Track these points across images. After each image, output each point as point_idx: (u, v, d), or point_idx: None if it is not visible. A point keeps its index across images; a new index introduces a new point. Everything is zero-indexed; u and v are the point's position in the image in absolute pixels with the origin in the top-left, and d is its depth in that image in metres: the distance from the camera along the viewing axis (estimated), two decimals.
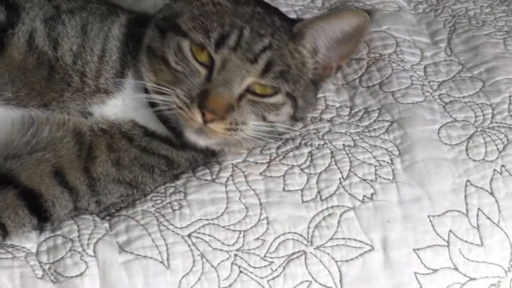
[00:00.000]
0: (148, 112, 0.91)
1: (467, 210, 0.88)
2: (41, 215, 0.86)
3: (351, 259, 0.84)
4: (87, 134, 0.91)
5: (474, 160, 0.90)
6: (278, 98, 0.86)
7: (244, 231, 0.84)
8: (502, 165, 0.91)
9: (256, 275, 0.83)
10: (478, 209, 0.88)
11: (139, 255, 0.81)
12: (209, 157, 0.93)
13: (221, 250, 0.83)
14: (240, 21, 0.88)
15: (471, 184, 0.89)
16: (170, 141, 0.92)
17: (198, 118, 0.81)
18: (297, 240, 0.84)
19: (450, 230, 0.87)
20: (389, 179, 0.87)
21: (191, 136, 0.84)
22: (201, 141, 0.86)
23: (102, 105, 0.92)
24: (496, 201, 0.89)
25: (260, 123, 0.87)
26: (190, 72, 0.85)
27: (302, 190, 0.85)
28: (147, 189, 0.91)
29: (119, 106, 0.93)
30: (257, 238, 0.84)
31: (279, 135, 0.92)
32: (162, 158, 0.92)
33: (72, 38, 0.93)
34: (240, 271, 0.83)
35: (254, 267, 0.83)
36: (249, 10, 0.91)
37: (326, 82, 0.99)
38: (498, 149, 0.91)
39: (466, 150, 0.91)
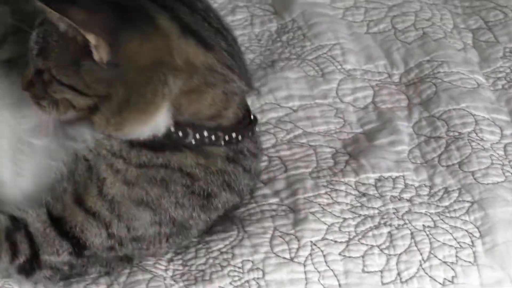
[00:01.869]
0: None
1: None
2: (75, 243, 0.85)
3: None
4: (90, 158, 0.89)
5: None
6: None
7: None
8: None
9: None
10: None
11: None
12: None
13: None
14: None
15: None
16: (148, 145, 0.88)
17: None
18: None
19: None
20: (470, 262, 0.85)
21: None
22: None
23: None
24: None
25: None
26: None
27: (381, 271, 0.85)
28: (173, 214, 0.86)
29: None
30: None
31: None
32: (159, 167, 0.87)
33: None
34: None
35: None
36: None
37: None
38: None
39: None
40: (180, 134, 0.84)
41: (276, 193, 0.96)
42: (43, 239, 0.85)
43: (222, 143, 0.88)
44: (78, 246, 0.85)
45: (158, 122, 0.81)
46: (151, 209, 0.86)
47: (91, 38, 0.74)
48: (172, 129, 0.83)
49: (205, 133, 0.86)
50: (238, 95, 0.91)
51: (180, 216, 0.87)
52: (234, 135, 0.89)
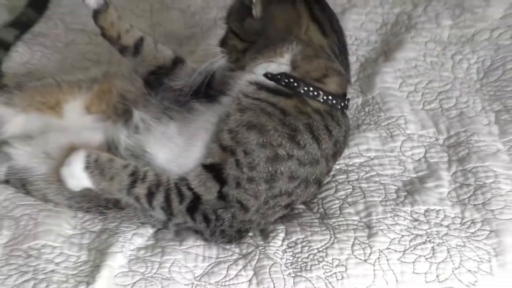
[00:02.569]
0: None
1: None
2: (219, 180, 0.99)
3: None
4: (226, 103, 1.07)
5: None
6: None
7: None
8: None
9: None
10: None
11: None
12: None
13: None
14: None
15: None
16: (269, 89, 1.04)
17: None
18: None
19: None
20: (487, 272, 0.97)
21: None
22: None
23: None
24: None
25: None
26: None
27: (425, 273, 0.97)
28: (272, 138, 0.99)
29: None
30: None
31: None
32: (269, 104, 1.03)
33: None
34: None
35: None
36: None
37: None
38: None
39: None
40: (295, 84, 1.02)
41: (357, 213, 1.07)
42: (200, 183, 1.01)
43: (321, 100, 1.03)
44: (221, 181, 1.00)
45: (280, 65, 1.03)
46: (258, 131, 1.00)
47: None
48: (292, 79, 1.02)
49: (311, 88, 1.02)
50: (337, 75, 1.07)
51: (275, 141, 0.99)
52: (330, 97, 1.03)
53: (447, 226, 1.03)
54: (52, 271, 0.99)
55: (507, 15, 1.52)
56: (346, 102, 1.09)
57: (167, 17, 1.74)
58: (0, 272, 0.98)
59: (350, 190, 1.12)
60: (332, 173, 1.15)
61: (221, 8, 1.65)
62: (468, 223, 1.04)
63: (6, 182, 1.16)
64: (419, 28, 1.50)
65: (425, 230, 1.03)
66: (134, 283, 0.96)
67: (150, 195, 1.01)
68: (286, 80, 1.02)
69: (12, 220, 1.08)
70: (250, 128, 1.00)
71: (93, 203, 1.10)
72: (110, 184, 1.02)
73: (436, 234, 1.02)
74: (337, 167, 1.17)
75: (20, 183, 1.15)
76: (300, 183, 1.03)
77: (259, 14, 1.02)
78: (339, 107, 1.06)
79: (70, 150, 1.08)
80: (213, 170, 1.01)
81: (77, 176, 1.03)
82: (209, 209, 1.01)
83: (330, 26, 1.08)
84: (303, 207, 1.12)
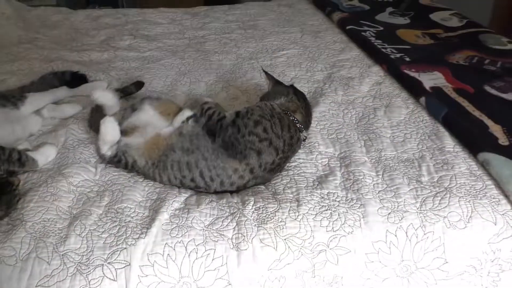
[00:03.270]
0: None
1: None
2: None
3: None
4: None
5: None
6: None
7: None
8: None
9: None
10: None
11: None
12: None
13: None
14: None
15: None
16: None
17: None
18: None
19: None
20: None
21: None
22: None
23: None
24: None
25: None
26: None
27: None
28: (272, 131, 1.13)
29: None
30: None
31: None
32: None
33: None
34: None
35: None
36: None
37: None
38: None
39: None
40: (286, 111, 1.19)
41: (292, 193, 1.11)
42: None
43: (292, 118, 1.19)
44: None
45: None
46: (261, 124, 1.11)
47: None
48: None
49: (289, 112, 1.18)
50: (300, 114, 1.22)
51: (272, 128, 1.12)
52: (296, 120, 1.19)
53: (338, 201, 1.08)
54: (129, 221, 1.05)
55: (370, 90, 1.68)
56: (302, 127, 1.21)
57: None
58: (101, 220, 1.04)
59: (289, 179, 1.16)
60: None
61: None
62: (349, 200, 1.08)
63: (114, 157, 1.21)
64: (326, 95, 1.64)
65: (326, 204, 1.07)
66: (172, 228, 1.02)
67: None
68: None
69: (110, 192, 1.14)
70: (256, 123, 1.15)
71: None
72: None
73: (332, 205, 1.07)
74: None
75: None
76: (267, 138, 1.12)
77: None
78: (299, 126, 1.20)
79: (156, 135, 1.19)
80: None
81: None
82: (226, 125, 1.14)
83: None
84: (263, 188, 1.14)
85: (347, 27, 2.05)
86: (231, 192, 1.11)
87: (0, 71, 1.83)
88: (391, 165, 1.20)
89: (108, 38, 2.21)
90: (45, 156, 1.20)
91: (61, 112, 1.53)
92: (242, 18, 2.49)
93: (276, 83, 1.32)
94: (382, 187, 1.12)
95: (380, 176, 1.16)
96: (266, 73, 1.36)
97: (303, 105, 1.26)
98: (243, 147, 1.08)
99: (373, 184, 1.13)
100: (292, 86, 1.31)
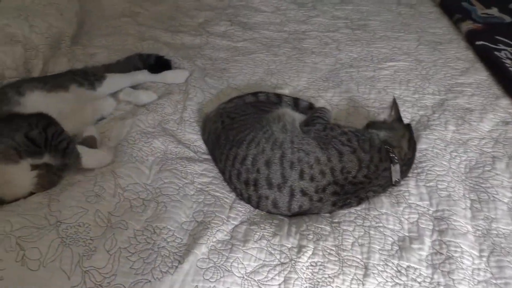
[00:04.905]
0: None
1: None
2: None
3: None
4: None
5: None
6: None
7: None
8: None
9: None
10: None
11: None
12: None
13: None
14: None
15: None
16: None
17: None
18: None
19: None
20: None
21: None
22: None
23: None
24: None
25: None
26: None
27: None
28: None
29: None
30: None
31: None
32: None
33: None
34: None
35: None
36: None
37: None
38: None
39: None
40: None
41: (361, 253, 0.96)
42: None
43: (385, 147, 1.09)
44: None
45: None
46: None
47: None
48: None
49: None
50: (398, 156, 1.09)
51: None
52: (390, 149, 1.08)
53: (419, 283, 0.91)
54: (163, 247, 0.96)
55: (492, 130, 1.35)
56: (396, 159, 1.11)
57: None
58: (136, 238, 0.96)
59: (362, 233, 1.01)
60: (354, 215, 1.05)
61: None
62: (434, 283, 0.91)
63: None
64: (433, 128, 1.36)
65: (403, 281, 0.91)
66: (207, 268, 0.92)
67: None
68: None
69: (155, 204, 1.05)
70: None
71: None
72: None
73: (410, 286, 0.91)
74: (359, 213, 1.07)
75: None
76: (351, 146, 1.08)
77: None
78: (392, 156, 1.10)
79: None
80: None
81: None
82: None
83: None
84: (329, 230, 1.02)
85: (477, 42, 1.72)
86: (294, 216, 1.04)
87: (94, 43, 1.83)
88: (503, 245, 0.96)
89: (205, 21, 2.12)
90: (93, 160, 1.11)
91: (135, 98, 1.46)
92: (351, 16, 2.21)
93: (397, 119, 1.19)
94: (485, 277, 0.90)
95: (485, 260, 0.94)
96: (395, 103, 1.21)
97: (410, 154, 1.13)
98: (328, 141, 1.06)
99: (472, 269, 0.92)
100: (409, 127, 1.17)
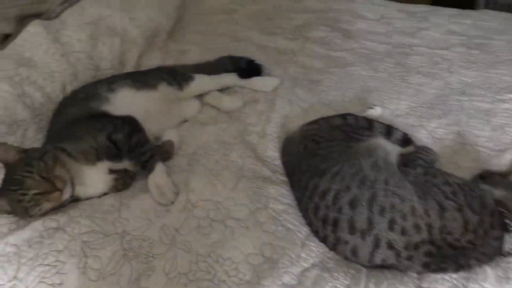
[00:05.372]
0: None
1: None
2: None
3: None
4: None
5: None
6: None
7: None
8: None
9: None
10: None
11: None
12: None
13: None
14: None
15: None
16: None
17: None
18: None
19: None
20: None
21: None
22: None
23: None
24: None
25: None
26: None
27: None
28: None
29: None
30: None
31: None
32: None
33: None
34: None
35: None
36: None
37: None
38: None
39: None
40: None
41: None
42: None
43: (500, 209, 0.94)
44: None
45: None
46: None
47: None
48: None
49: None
50: None
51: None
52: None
53: None
54: (223, 281, 0.88)
55: None
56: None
57: None
58: (197, 264, 0.91)
59: None
60: (448, 284, 0.90)
61: None
62: None
63: None
64: None
65: None
66: None
67: None
68: None
69: (223, 226, 0.99)
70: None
71: None
72: None
73: None
74: (454, 282, 0.91)
75: None
76: (455, 201, 0.92)
77: None
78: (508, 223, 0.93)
79: None
80: None
81: None
82: None
83: None
84: None
85: None
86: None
87: (187, 40, 1.82)
88: None
89: (303, 25, 2.00)
90: (155, 184, 1.05)
91: (220, 103, 1.42)
92: (469, 32, 1.92)
93: None
94: None
95: None
96: None
97: None
98: (428, 189, 0.92)
99: None
100: None
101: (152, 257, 0.90)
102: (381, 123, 1.24)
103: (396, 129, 1.23)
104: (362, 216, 0.91)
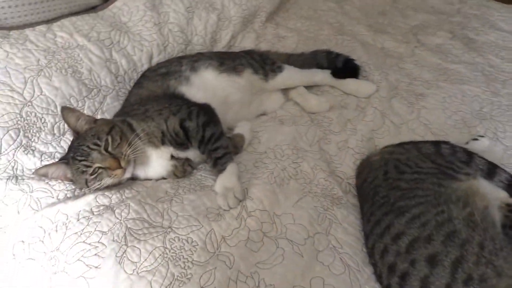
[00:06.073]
0: None
1: None
2: None
3: None
4: None
5: None
6: None
7: None
8: None
9: None
10: None
11: None
12: None
13: None
14: None
15: None
16: None
17: None
18: None
19: None
20: None
21: None
22: None
23: None
24: None
25: None
26: None
27: None
28: None
29: None
30: None
31: None
32: None
33: None
34: None
35: None
36: None
37: None
38: None
39: None
40: None
41: None
42: None
43: None
44: None
45: None
46: None
47: None
48: None
49: None
50: None
51: None
52: None
53: None
54: None
55: None
56: None
57: None
58: (237, 283, 0.83)
59: None
60: None
61: None
62: None
63: None
64: None
65: None
66: None
67: None
68: None
69: (275, 246, 0.90)
70: None
71: None
72: None
73: None
74: None
75: None
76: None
77: None
78: None
79: None
80: None
81: None
82: None
83: None
84: None
85: None
86: None
87: (288, 25, 1.72)
88: None
89: (420, 26, 1.78)
90: (223, 188, 0.98)
91: (305, 102, 1.30)
92: None
93: None
94: None
95: None
96: None
97: None
98: None
99: None
100: None
101: (191, 263, 0.83)
102: (483, 158, 1.02)
103: (503, 169, 1.00)
104: (440, 280, 0.75)
